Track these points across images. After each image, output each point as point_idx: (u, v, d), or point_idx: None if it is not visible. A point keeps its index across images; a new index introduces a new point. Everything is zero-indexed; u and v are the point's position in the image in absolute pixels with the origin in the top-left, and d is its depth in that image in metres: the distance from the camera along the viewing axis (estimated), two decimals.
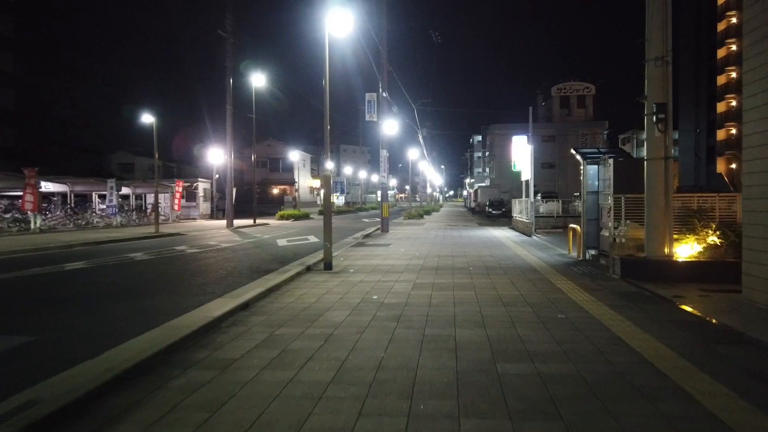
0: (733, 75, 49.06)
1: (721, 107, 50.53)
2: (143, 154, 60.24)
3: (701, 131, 54.56)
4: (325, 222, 9.76)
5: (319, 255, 11.80)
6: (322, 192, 67.50)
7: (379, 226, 21.00)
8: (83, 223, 24.43)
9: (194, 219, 33.78)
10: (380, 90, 20.23)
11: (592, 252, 10.53)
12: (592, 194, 10.47)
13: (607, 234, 9.62)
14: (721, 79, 50.48)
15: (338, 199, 70.13)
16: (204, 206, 35.72)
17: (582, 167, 10.62)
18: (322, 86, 9.99)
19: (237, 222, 29.56)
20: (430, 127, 58.87)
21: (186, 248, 14.77)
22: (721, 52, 50.35)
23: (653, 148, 7.88)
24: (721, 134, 50.77)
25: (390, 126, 21.87)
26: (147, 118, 20.57)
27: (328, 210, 9.76)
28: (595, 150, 11.11)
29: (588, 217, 10.47)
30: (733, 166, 49.34)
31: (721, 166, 50.59)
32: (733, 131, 49.37)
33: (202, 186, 35.34)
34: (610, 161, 9.44)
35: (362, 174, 75.50)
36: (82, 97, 55.12)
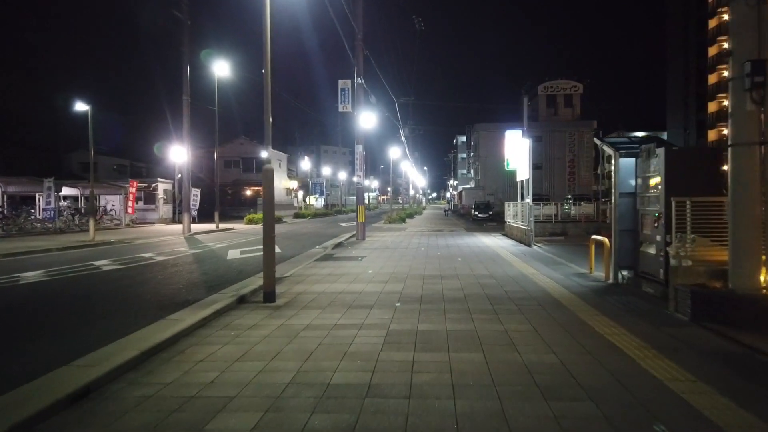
0: (725, 74, 47.52)
1: (712, 107, 49.00)
2: (107, 153, 56.60)
3: (690, 132, 53.00)
4: (266, 237, 6.98)
5: None
6: (300, 194, 64.73)
7: (356, 231, 18.25)
8: (14, 229, 21.18)
9: (152, 223, 30.58)
10: (355, 76, 17.50)
11: (625, 273, 7.94)
12: (627, 197, 7.89)
13: (653, 251, 7.04)
14: (712, 78, 48.97)
15: (317, 202, 67.23)
16: (164, 209, 32.50)
17: (612, 162, 8.03)
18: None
19: (198, 227, 26.57)
20: (413, 125, 56.32)
21: (106, 263, 11.82)
22: (712, 50, 48.84)
23: (743, 127, 5.32)
24: (712, 135, 49.22)
25: (367, 119, 19.15)
26: (80, 107, 17.48)
27: (269, 217, 6.97)
28: (625, 139, 8.57)
29: (621, 226, 7.88)
30: (725, 168, 47.68)
31: None
32: (725, 132, 47.80)
33: (162, 187, 32.12)
34: (659, 152, 6.86)
35: (342, 175, 72.60)
36: (37, 93, 51.39)
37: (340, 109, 18.14)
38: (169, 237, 20.64)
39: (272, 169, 7.00)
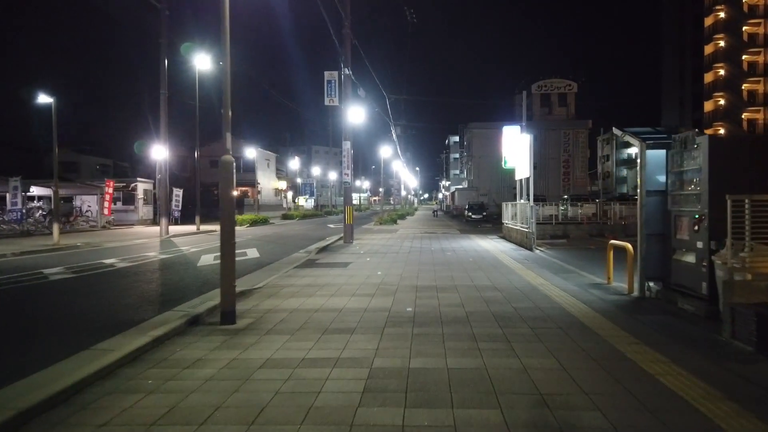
0: (722, 72, 46.84)
1: (708, 106, 48.23)
2: (89, 153, 54.91)
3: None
4: (224, 244, 5.72)
5: (241, 284, 7.89)
6: (289, 194, 63.31)
7: (343, 234, 16.99)
8: None
9: (131, 225, 29.13)
10: (342, 67, 16.26)
11: (653, 285, 6.76)
12: (655, 196, 6.72)
13: (691, 260, 5.87)
14: (708, 77, 48.18)
15: (307, 202, 65.78)
16: (145, 210, 31.04)
17: (638, 155, 6.85)
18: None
19: (177, 229, 25.22)
20: (405, 124, 55.16)
21: (58, 271, 10.47)
22: (708, 49, 48.06)
23: None
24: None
25: (356, 113, 17.93)
26: (43, 99, 16.03)
27: (228, 221, 5.72)
28: (649, 129, 7.39)
29: (648, 230, 6.70)
30: None
31: None
32: (722, 131, 47.08)
33: (142, 187, 30.65)
34: (701, 140, 5.69)
35: (333, 175, 71.26)
36: (16, 90, 49.58)
37: (327, 103, 16.89)
38: (144, 240, 19.28)
39: (231, 161, 5.74)
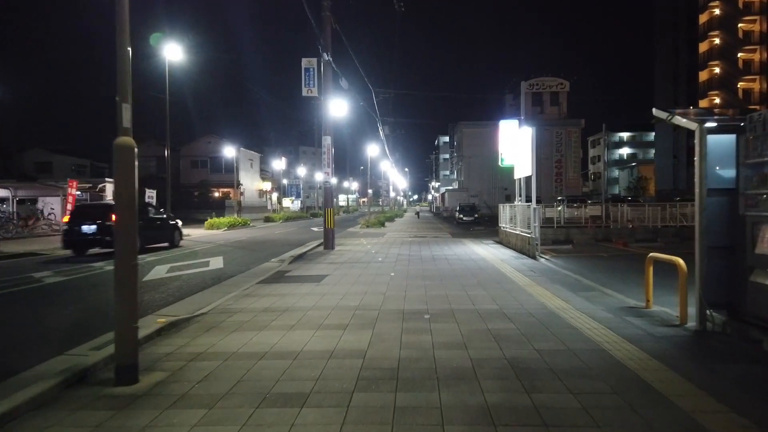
0: (717, 70, 45.80)
1: (703, 104, 47.14)
2: (64, 152, 52.54)
3: (680, 131, 51.12)
4: (120, 269, 3.92)
5: (183, 307, 6.23)
6: (274, 196, 61.24)
7: (323, 239, 15.21)
8: None
9: None
10: (321, 52, 14.49)
11: (715, 314, 5.09)
12: (720, 195, 5.06)
13: None
14: (703, 75, 47.14)
15: (293, 204, 63.74)
16: None
17: (696, 143, 5.18)
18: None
19: None
20: (394, 121, 53.47)
21: None
22: (703, 46, 47.02)
23: None
24: None
25: (337, 105, 16.19)
26: None
27: (125, 233, 3.92)
28: (703, 110, 5.75)
29: (711, 242, 5.04)
30: None
31: None
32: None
33: (111, 188, 28.51)
34: None
35: (320, 176, 69.23)
36: None
37: (305, 93, 15.11)
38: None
39: (131, 146, 3.94)
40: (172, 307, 6.85)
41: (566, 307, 6.35)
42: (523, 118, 15.33)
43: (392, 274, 9.51)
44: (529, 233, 12.59)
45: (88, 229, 13.95)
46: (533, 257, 11.84)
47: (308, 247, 15.78)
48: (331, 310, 6.31)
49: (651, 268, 6.13)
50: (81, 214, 14.76)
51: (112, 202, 4.05)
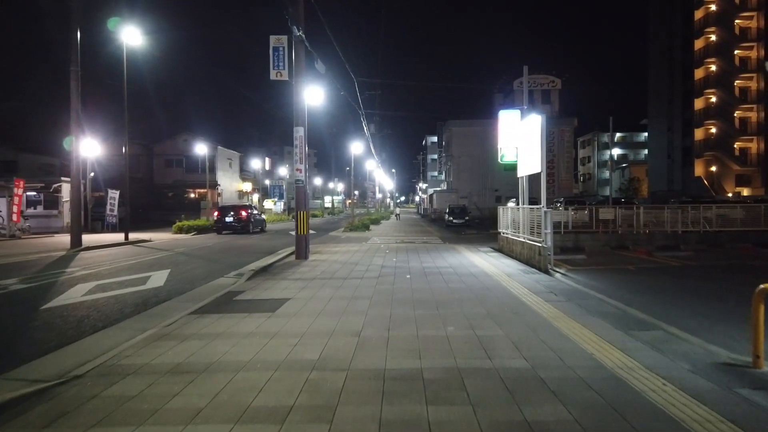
0: (713, 68, 44.39)
1: (699, 104, 45.73)
2: (30, 150, 49.44)
3: (675, 131, 49.69)
4: None
5: (52, 362, 3.91)
6: (255, 197, 58.65)
7: (306, 245, 12.92)
8: None
9: (54, 233, 24.53)
10: (291, 26, 12.23)
11: None
12: None
13: None
14: (699, 73, 45.69)
15: (275, 206, 61.13)
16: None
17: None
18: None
19: (103, 238, 20.96)
20: (379, 117, 51.34)
21: None
22: (699, 43, 45.59)
23: None
24: (699, 134, 45.92)
25: (312, 92, 14.01)
26: None
27: None
28: None
29: None
30: (714, 168, 44.55)
31: (699, 169, 45.68)
32: (713, 130, 44.63)
33: (67, 188, 25.92)
34: None
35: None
36: None
37: (272, 76, 12.87)
38: (41, 255, 14.92)
39: None
40: (42, 360, 4.62)
41: (630, 364, 4.21)
42: (526, 107, 13.17)
43: (373, 297, 7.32)
44: (538, 241, 10.49)
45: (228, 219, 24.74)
46: (546, 271, 9.73)
47: (278, 256, 13.54)
48: (273, 372, 4.11)
49: (762, 308, 4.01)
50: (224, 211, 25.46)
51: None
